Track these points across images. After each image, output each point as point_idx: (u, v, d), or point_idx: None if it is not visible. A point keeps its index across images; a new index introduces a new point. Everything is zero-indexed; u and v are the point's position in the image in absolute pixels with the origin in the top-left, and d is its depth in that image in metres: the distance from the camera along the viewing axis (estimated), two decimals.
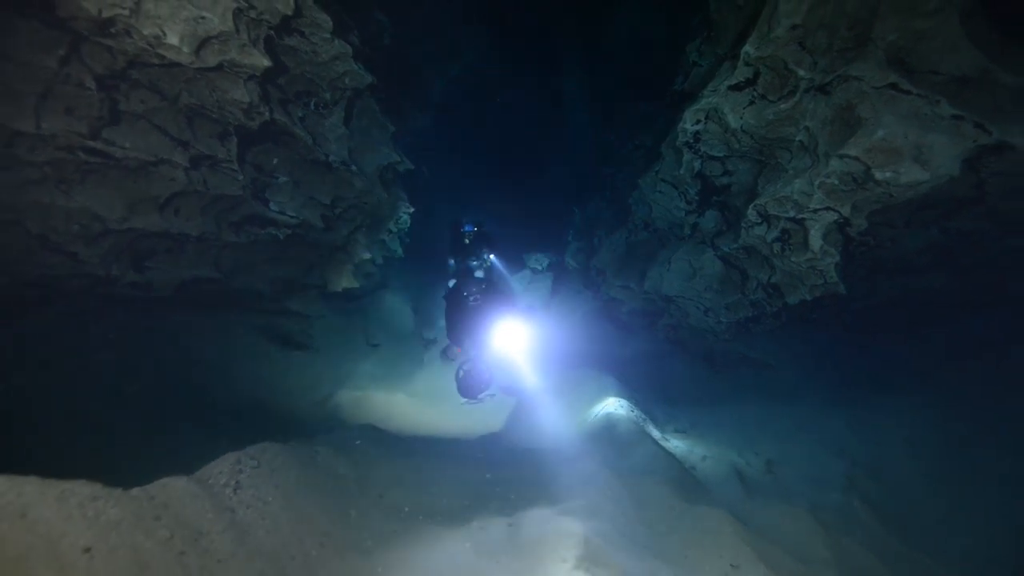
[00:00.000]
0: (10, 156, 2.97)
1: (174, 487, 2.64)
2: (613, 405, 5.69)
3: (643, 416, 5.58)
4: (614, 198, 7.88)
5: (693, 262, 5.87)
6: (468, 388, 5.97)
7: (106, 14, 2.58)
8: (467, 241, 7.14)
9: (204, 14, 2.82)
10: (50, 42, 2.68)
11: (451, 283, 6.46)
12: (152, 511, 2.46)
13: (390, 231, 7.14)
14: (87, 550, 2.12)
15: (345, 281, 6.30)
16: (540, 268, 10.13)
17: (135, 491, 2.45)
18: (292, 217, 4.59)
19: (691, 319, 6.49)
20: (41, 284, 3.93)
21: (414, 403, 7.19)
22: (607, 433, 5.61)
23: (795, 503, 4.45)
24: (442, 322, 7.19)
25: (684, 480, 4.61)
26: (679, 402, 6.84)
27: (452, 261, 7.23)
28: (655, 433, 5.50)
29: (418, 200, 7.27)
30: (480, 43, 9.69)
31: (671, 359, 7.52)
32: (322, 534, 3.16)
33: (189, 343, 5.73)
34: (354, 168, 4.70)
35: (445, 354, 6.82)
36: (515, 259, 10.52)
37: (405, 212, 6.89)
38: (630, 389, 6.54)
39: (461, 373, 6.02)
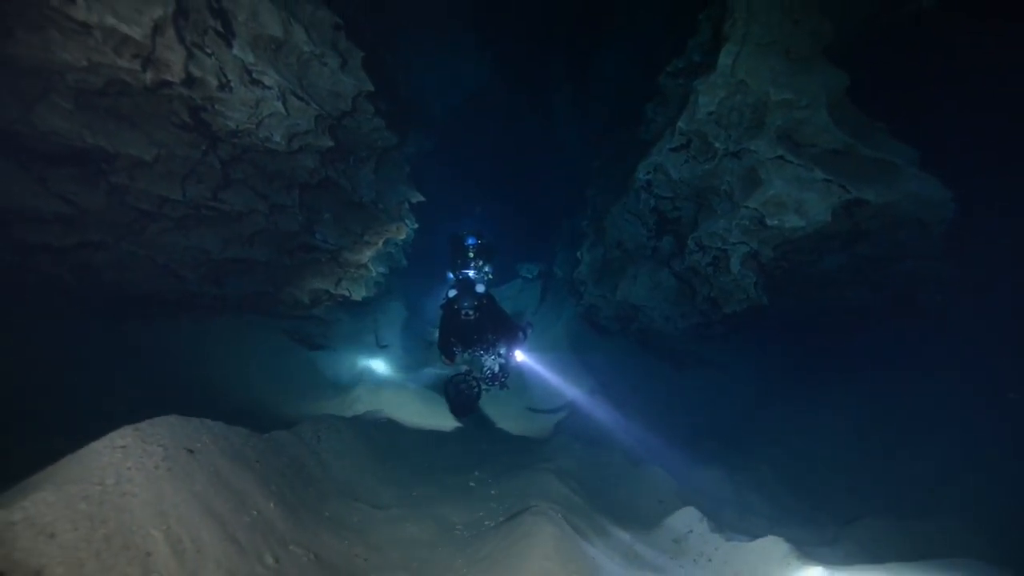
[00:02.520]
0: (160, 215, 4.62)
1: (283, 435, 4.34)
2: (584, 402, 7.42)
3: (606, 409, 7.32)
4: (595, 217, 9.55)
5: (654, 277, 7.58)
6: (459, 408, 6.33)
7: (240, 128, 4.23)
8: (471, 254, 8.48)
9: (299, 122, 4.48)
10: (199, 143, 4.34)
11: (450, 293, 6.56)
12: (276, 447, 4.15)
13: (396, 244, 8.76)
14: (258, 460, 3.77)
15: (364, 291, 7.97)
16: (531, 277, 11.80)
17: (264, 435, 4.12)
18: (332, 244, 6.26)
19: (655, 324, 8.19)
20: (150, 296, 5.58)
21: (421, 395, 8.84)
22: (577, 421, 7.36)
23: (718, 466, 6.18)
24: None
25: (633, 450, 6.34)
26: (647, 395, 8.51)
27: (451, 275, 8.62)
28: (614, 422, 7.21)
29: (421, 214, 8.68)
30: (479, 73, 11.34)
31: (642, 359, 9.23)
32: (373, 473, 4.88)
33: (241, 344, 7.43)
34: (380, 205, 6.37)
35: (442, 359, 6.95)
36: (508, 268, 12.14)
37: (411, 227, 8.50)
38: (603, 387, 8.27)
39: (452, 391, 6.37)
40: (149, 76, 3.42)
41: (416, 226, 8.69)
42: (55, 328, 5.34)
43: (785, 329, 8.38)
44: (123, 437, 2.63)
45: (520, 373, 9.08)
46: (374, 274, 7.91)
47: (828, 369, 8.14)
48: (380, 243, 7.19)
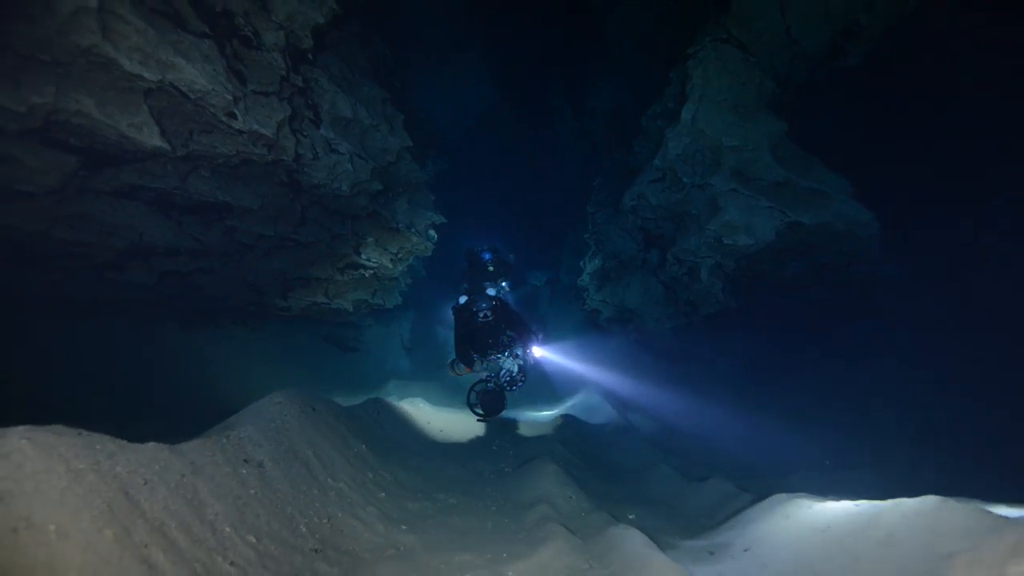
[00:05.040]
0: (255, 247, 6.49)
1: (356, 408, 6.16)
2: (588, 391, 9.21)
3: (607, 396, 9.10)
4: (595, 231, 11.37)
5: (644, 284, 9.37)
6: (488, 407, 6.63)
7: (320, 183, 6.09)
8: (490, 268, 10.03)
9: (360, 175, 6.34)
10: (289, 194, 6.21)
11: (461, 299, 6.71)
12: (354, 415, 5.94)
13: (418, 257, 10.56)
14: (348, 421, 5.56)
15: (394, 300, 9.80)
16: (539, 283, 13.61)
17: (346, 405, 5.90)
18: (374, 263, 8.11)
19: (648, 325, 9.98)
20: (234, 308, 7.45)
21: (445, 390, 10.63)
22: (581, 406, 9.14)
23: (694, 439, 7.94)
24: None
25: (627, 427, 8.11)
26: (642, 384, 10.26)
27: (467, 285, 10.23)
28: (613, 406, 9.00)
29: (438, 230, 10.34)
30: (488, 100, 13.19)
31: (639, 355, 11.03)
32: (418, 439, 6.68)
33: (292, 346, 9.29)
34: (412, 229, 8.22)
35: (453, 368, 7.09)
36: (519, 275, 13.93)
37: (431, 242, 10.31)
38: (605, 377, 10.06)
39: (474, 396, 6.71)
40: (271, 157, 5.26)
41: (436, 239, 10.51)
42: (175, 333, 7.29)
43: (762, 326, 10.13)
44: (279, 396, 4.50)
45: (542, 373, 10.87)
46: (403, 285, 9.75)
47: (797, 359, 9.87)
48: (410, 259, 9.01)
